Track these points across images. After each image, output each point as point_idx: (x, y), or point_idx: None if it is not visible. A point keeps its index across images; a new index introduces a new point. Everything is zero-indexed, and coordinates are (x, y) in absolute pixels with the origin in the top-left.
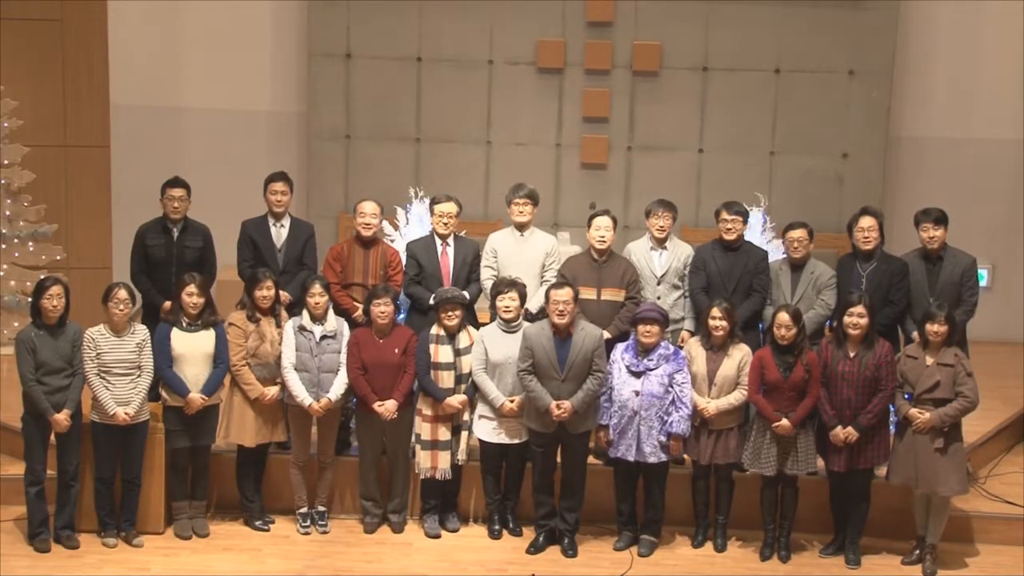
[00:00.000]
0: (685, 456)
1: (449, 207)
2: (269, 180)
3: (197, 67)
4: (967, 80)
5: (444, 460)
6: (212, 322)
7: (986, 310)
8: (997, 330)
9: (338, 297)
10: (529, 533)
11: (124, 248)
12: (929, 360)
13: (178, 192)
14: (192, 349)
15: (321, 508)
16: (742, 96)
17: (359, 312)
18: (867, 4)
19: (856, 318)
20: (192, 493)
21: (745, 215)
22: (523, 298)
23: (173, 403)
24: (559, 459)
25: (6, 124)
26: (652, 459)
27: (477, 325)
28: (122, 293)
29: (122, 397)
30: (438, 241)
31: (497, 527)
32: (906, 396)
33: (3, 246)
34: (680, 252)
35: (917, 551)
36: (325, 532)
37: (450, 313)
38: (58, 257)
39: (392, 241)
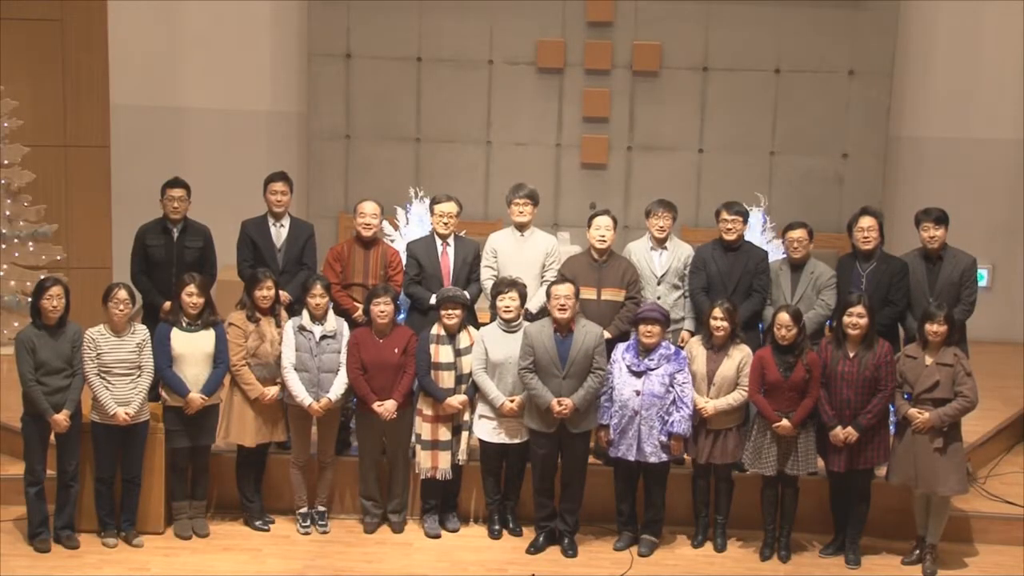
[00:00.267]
0: (686, 456)
1: (449, 207)
2: (269, 180)
3: (197, 67)
4: (967, 80)
5: (444, 460)
6: (212, 322)
7: (986, 310)
8: (997, 330)
9: (338, 297)
10: (529, 533)
11: (124, 248)
12: (928, 360)
13: (178, 192)
14: (192, 349)
15: (321, 508)
16: (742, 96)
17: (359, 312)
18: (867, 4)
19: (855, 318)
20: (192, 493)
21: (745, 215)
22: (523, 298)
23: (173, 403)
24: (559, 459)
25: (6, 124)
26: (653, 459)
27: (477, 325)
28: (122, 293)
29: (122, 397)
30: (438, 241)
31: (497, 527)
32: (905, 396)
33: (3, 246)
34: (680, 252)
35: (917, 551)
36: (325, 532)
37: (450, 312)
38: (58, 257)
39: (392, 241)
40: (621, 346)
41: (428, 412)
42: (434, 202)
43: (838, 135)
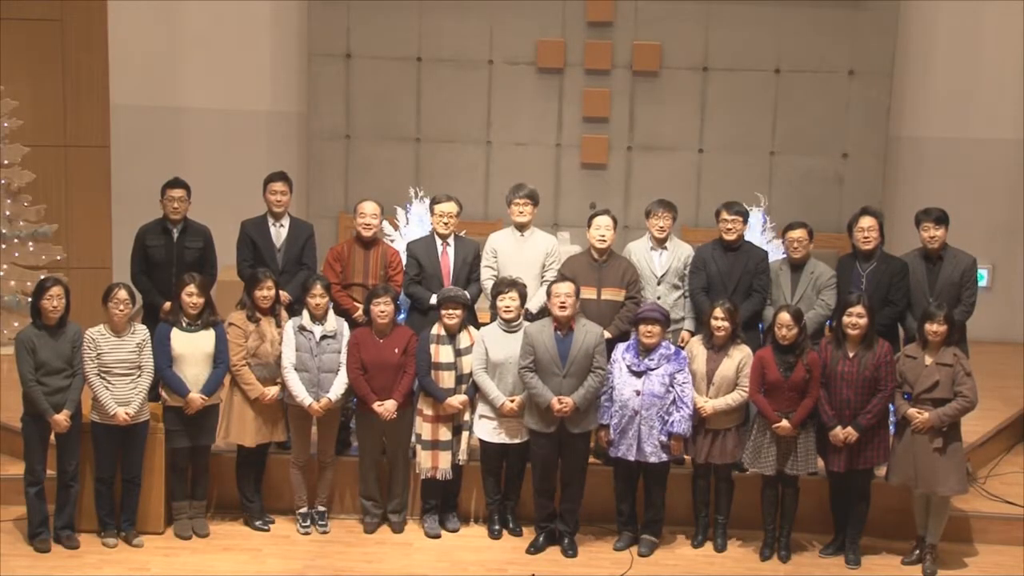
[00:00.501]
0: (686, 456)
1: (449, 207)
2: (268, 180)
3: (197, 67)
4: (967, 80)
5: (445, 460)
6: (212, 322)
7: (986, 310)
8: (997, 330)
9: (338, 297)
10: (529, 533)
11: (124, 248)
12: (928, 360)
13: (178, 193)
14: (192, 349)
15: (321, 508)
16: (742, 96)
17: (359, 312)
18: (867, 4)
19: (855, 318)
20: (192, 493)
21: (745, 215)
22: (523, 298)
23: (173, 403)
24: (559, 460)
25: (6, 124)
26: (653, 459)
27: (477, 325)
28: (122, 293)
29: (122, 397)
30: (438, 241)
31: (497, 527)
32: (905, 396)
33: (3, 246)
34: (680, 252)
35: (917, 551)
36: (325, 532)
37: (450, 312)
38: (58, 257)
39: (392, 241)
40: (621, 346)
41: (428, 412)
42: (434, 202)
43: (838, 135)
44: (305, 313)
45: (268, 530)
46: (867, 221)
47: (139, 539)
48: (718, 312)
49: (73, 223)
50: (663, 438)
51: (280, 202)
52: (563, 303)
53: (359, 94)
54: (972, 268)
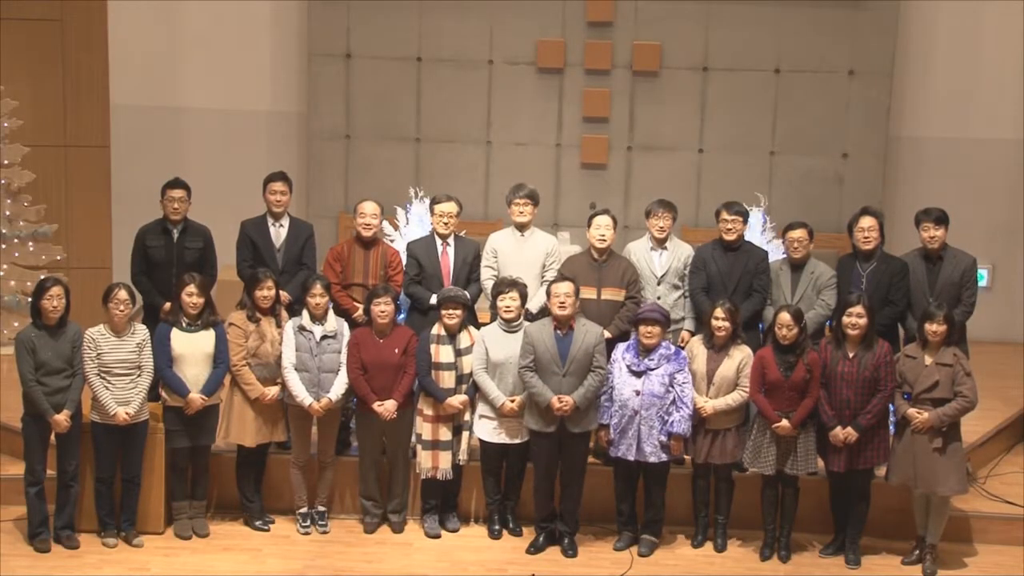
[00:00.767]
0: (686, 456)
1: (449, 207)
2: (268, 180)
3: (197, 67)
4: (967, 80)
5: (445, 460)
6: (212, 322)
7: (986, 310)
8: (997, 330)
9: (338, 297)
10: (529, 533)
11: (124, 248)
12: (928, 360)
13: (178, 193)
14: (192, 349)
15: (321, 508)
16: (742, 96)
17: (359, 312)
18: (867, 4)
19: (855, 318)
20: (192, 493)
21: (745, 215)
22: (524, 298)
23: (173, 403)
24: (559, 460)
25: (6, 124)
26: (652, 459)
27: (478, 325)
28: (122, 293)
29: (122, 397)
30: (438, 241)
31: (497, 527)
32: (905, 396)
33: (3, 246)
34: (680, 252)
35: (917, 551)
36: (325, 532)
37: (451, 312)
38: (58, 257)
39: (392, 241)
40: (621, 346)
41: (429, 412)
42: (434, 202)
43: (838, 135)
44: (305, 313)
45: (268, 530)
46: (867, 221)
47: (139, 539)
48: (719, 312)
49: (73, 223)
50: (663, 438)
51: (280, 202)
52: (562, 302)
53: (359, 94)
54: (972, 268)
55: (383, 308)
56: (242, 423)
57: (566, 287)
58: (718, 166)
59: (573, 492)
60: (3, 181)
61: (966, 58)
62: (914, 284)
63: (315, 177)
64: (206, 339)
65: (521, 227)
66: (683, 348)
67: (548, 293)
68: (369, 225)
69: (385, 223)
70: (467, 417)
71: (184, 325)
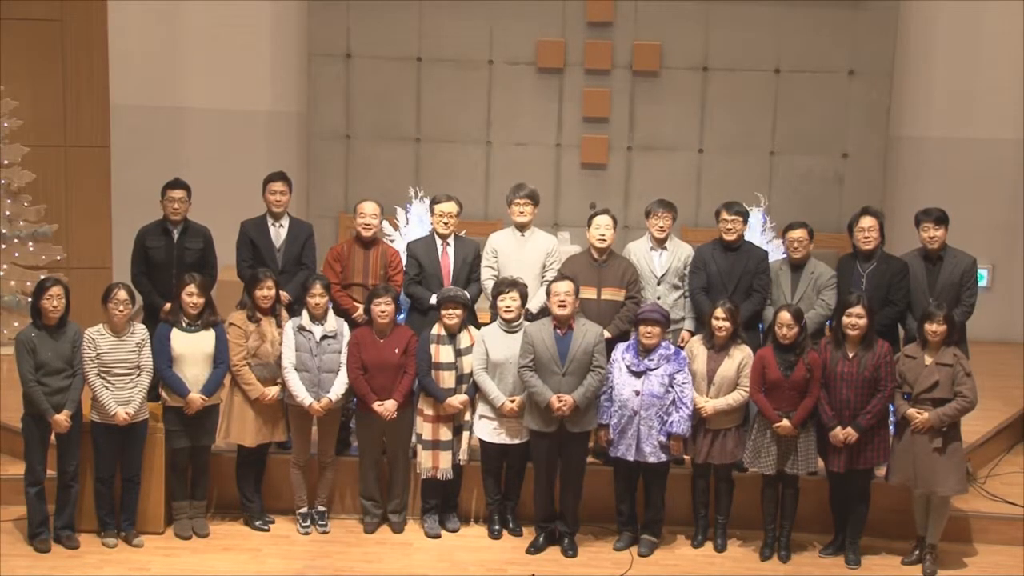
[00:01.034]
0: (685, 456)
1: (449, 207)
2: (268, 180)
3: (197, 67)
4: (967, 80)
5: (445, 460)
6: (212, 322)
7: (986, 310)
8: (997, 330)
9: (338, 297)
10: (529, 533)
11: (124, 248)
12: (928, 360)
13: (178, 194)
14: (192, 349)
15: (321, 508)
16: (742, 96)
17: (359, 312)
18: (867, 4)
19: (855, 319)
20: (192, 493)
21: (745, 215)
22: (524, 298)
23: (173, 403)
24: (559, 460)
25: (6, 124)
26: (652, 459)
27: (478, 325)
28: (122, 293)
29: (122, 397)
30: (438, 241)
31: (497, 527)
32: (905, 396)
33: (3, 246)
34: (680, 252)
35: (917, 551)
36: (325, 532)
37: (451, 312)
38: (58, 257)
39: (392, 241)
40: (621, 346)
41: (429, 412)
42: (434, 202)
43: (838, 135)
44: (305, 313)
45: (268, 530)
46: (867, 221)
47: (139, 539)
48: (719, 312)
49: (73, 223)
50: (662, 438)
51: (280, 202)
52: (562, 302)
53: (359, 94)
54: (972, 268)
55: (383, 308)
56: (242, 423)
57: (566, 286)
58: (718, 166)
59: (573, 492)
60: (3, 181)
61: (966, 58)
62: (914, 284)
63: (315, 177)
64: (206, 339)
65: (521, 227)
66: (683, 348)
67: (548, 292)
68: (369, 225)
69: (385, 223)
70: (467, 417)
71: (184, 325)
